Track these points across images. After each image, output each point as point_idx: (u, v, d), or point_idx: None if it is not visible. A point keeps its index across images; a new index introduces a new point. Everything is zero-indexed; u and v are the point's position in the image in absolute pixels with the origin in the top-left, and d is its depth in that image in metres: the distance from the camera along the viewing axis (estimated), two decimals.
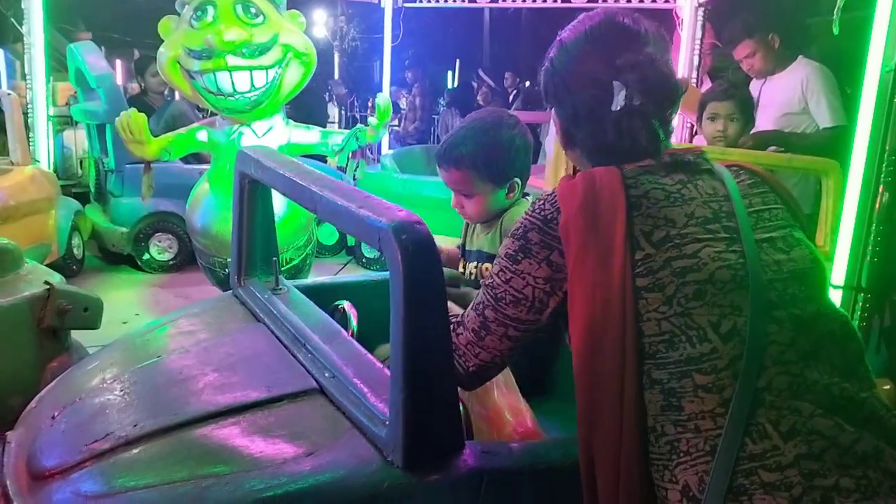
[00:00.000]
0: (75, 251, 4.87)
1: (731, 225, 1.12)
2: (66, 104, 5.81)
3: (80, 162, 5.93)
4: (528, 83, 8.40)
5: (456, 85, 9.13)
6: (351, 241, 5.46)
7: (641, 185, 1.14)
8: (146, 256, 5.06)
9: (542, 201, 1.20)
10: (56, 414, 1.52)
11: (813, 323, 1.08)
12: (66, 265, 4.77)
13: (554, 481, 1.29)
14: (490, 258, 1.83)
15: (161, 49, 3.20)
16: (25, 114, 5.11)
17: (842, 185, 2.75)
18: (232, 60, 3.08)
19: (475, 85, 7.89)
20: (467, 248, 1.99)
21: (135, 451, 1.33)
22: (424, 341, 1.17)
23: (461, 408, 1.46)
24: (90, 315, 2.12)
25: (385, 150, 6.57)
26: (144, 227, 4.99)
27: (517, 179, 1.82)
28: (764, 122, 3.29)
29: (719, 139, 3.00)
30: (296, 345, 1.63)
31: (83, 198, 5.55)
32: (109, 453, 1.34)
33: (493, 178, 1.78)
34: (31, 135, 5.33)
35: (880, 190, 1.96)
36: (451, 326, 1.26)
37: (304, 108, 5.34)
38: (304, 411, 1.41)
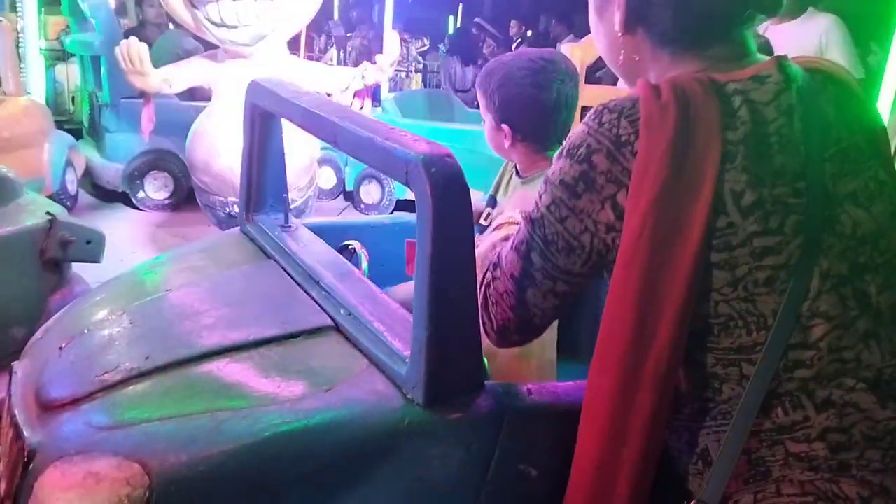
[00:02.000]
0: (69, 186, 4.79)
1: (818, 179, 0.92)
2: (57, 39, 5.64)
3: (72, 98, 5.79)
4: (530, 32, 8.19)
5: (456, 30, 8.88)
6: (350, 185, 5.39)
7: (740, 121, 0.91)
8: (141, 194, 4.99)
9: (612, 112, 0.93)
10: (63, 345, 1.49)
11: (879, 298, 0.94)
12: (60, 200, 4.69)
13: (572, 424, 1.27)
14: None
15: None
16: (18, 46, 4.96)
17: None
18: None
19: (475, 32, 7.67)
20: (499, 198, 1.82)
21: (147, 383, 1.31)
22: (450, 279, 1.13)
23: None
24: (92, 248, 2.08)
25: (385, 94, 6.46)
26: (140, 164, 4.90)
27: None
28: None
29: None
30: (308, 282, 1.60)
31: (75, 134, 5.43)
32: (121, 385, 1.31)
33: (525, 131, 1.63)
34: (23, 66, 5.19)
35: None
36: (490, 263, 1.12)
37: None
38: (320, 348, 1.38)
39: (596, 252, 0.97)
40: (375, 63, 3.15)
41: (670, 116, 0.89)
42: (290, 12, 3.07)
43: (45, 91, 5.23)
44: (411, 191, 1.15)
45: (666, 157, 0.88)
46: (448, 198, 1.10)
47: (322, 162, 5.56)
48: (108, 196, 5.23)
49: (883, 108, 2.87)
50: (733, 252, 0.91)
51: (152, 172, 4.96)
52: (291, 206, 3.42)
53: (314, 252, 1.74)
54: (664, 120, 0.89)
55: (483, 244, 1.40)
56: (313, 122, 1.48)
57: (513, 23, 7.81)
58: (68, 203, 4.82)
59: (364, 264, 1.89)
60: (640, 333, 0.93)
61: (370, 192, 5.27)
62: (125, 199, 5.13)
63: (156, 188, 5.03)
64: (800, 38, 3.27)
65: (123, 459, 1.12)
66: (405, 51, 7.15)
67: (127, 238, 4.58)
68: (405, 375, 1.21)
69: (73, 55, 5.48)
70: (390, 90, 6.14)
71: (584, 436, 1.04)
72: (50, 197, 4.55)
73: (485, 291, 1.12)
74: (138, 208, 5.05)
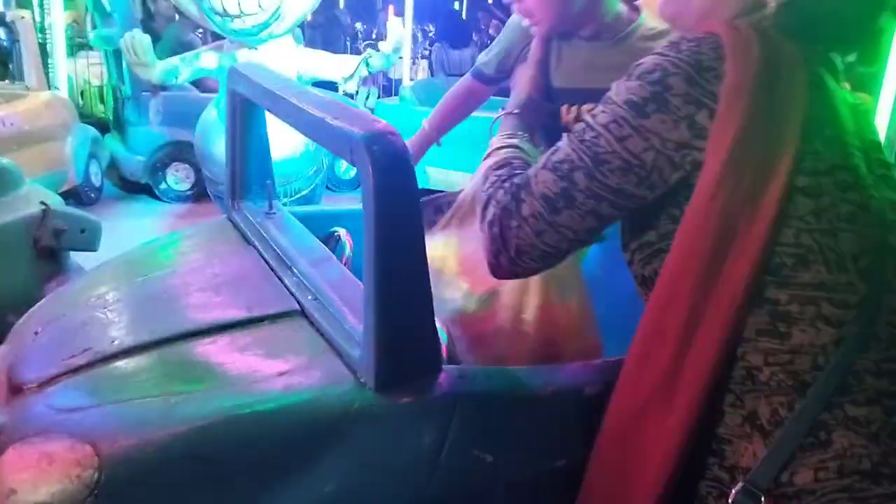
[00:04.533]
0: (93, 179, 4.89)
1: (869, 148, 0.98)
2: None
3: (81, 93, 5.88)
4: None
5: (465, 17, 8.75)
6: None
7: (816, 68, 0.95)
8: (163, 185, 5.07)
9: (691, 42, 0.93)
10: (39, 329, 1.51)
11: None
12: (84, 193, 4.81)
13: (533, 410, 1.25)
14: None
15: None
16: (45, 42, 5.07)
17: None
18: None
19: (480, 16, 7.54)
20: (553, 86, 1.49)
21: (111, 366, 1.32)
22: (397, 258, 1.11)
23: (443, 334, 1.42)
24: (87, 236, 2.11)
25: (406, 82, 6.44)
26: (162, 156, 4.97)
27: None
28: None
29: None
30: (282, 267, 1.59)
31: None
32: (86, 368, 1.33)
33: None
34: (50, 61, 5.30)
35: None
36: (500, 182, 1.04)
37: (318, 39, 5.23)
38: (283, 332, 1.37)
39: (657, 170, 0.93)
40: (379, 50, 3.14)
41: (754, 46, 0.91)
42: (292, 2, 3.07)
43: (67, 85, 5.34)
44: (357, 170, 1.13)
45: (757, 80, 0.89)
46: (390, 176, 1.08)
47: None
48: (134, 188, 5.33)
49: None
50: (819, 179, 0.90)
51: (174, 164, 5.04)
52: (298, 195, 3.45)
53: (293, 238, 1.73)
54: (748, 45, 0.91)
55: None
56: (277, 106, 1.47)
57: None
58: (93, 195, 4.93)
59: (348, 251, 1.88)
60: (716, 264, 0.90)
61: None
62: (150, 192, 5.22)
63: (177, 180, 5.10)
64: None
65: (77, 441, 1.13)
66: (415, 36, 7.10)
67: (149, 229, 4.66)
68: (358, 359, 1.20)
69: (81, 50, 5.58)
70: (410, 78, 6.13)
71: (634, 377, 0.99)
72: (74, 189, 4.67)
73: (498, 215, 1.02)
74: (161, 199, 5.13)
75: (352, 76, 3.17)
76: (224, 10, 3.02)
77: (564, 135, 1.01)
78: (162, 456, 1.11)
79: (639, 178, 0.94)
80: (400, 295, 1.13)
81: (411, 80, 6.70)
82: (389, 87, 6.31)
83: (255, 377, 1.22)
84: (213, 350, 1.33)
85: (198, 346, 1.34)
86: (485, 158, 1.23)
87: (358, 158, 1.11)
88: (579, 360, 1.37)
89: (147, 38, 2.98)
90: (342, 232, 1.93)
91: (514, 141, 1.26)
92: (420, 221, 1.12)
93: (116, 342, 1.37)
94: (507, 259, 1.02)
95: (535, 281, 1.46)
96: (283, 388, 1.18)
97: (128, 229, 4.29)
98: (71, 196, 4.75)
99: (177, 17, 5.23)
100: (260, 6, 3.03)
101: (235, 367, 1.27)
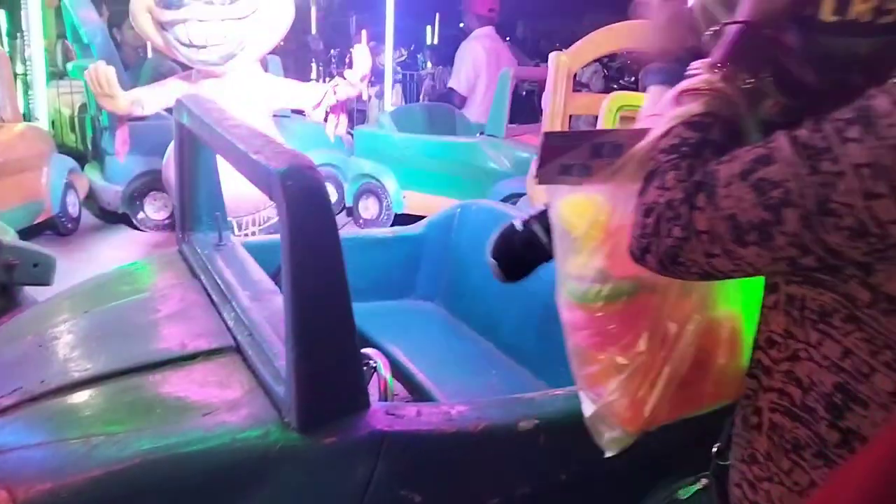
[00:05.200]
0: (70, 209, 4.86)
1: None
2: None
3: (52, 122, 5.85)
4: (508, 38, 8.07)
5: (436, 42, 8.76)
6: (349, 200, 5.38)
7: None
8: (141, 215, 5.03)
9: None
10: None
11: None
12: (61, 223, 4.77)
13: (465, 446, 1.22)
14: None
15: (132, 0, 3.11)
16: (25, 74, 5.07)
17: None
18: (202, 11, 2.97)
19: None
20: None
21: (38, 407, 1.29)
22: (314, 297, 1.09)
23: (381, 367, 1.39)
24: (40, 270, 2.08)
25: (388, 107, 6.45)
26: (139, 185, 4.95)
27: None
28: None
29: None
30: (223, 302, 1.57)
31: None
32: (13, 409, 1.30)
33: None
34: (30, 92, 5.30)
35: None
36: (679, 157, 0.78)
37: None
38: (215, 370, 1.35)
39: None
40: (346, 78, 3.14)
41: None
42: (258, 31, 3.07)
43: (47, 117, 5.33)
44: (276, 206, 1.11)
45: None
46: (304, 211, 1.06)
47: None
48: (113, 218, 5.30)
49: None
50: None
51: (152, 193, 5.01)
52: (268, 223, 3.42)
53: (239, 271, 1.71)
54: None
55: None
56: (211, 138, 1.46)
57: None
58: (70, 225, 4.89)
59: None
60: None
61: (368, 208, 5.24)
62: (128, 221, 5.19)
63: (155, 209, 5.07)
64: None
65: None
66: (381, 63, 7.09)
67: (127, 258, 4.62)
68: (282, 398, 1.17)
69: (52, 79, 5.58)
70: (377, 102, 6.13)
71: None
72: (51, 220, 4.64)
73: (661, 207, 0.77)
74: (139, 229, 5.10)
75: (319, 103, 3.17)
76: (189, 40, 3.01)
77: (783, 135, 0.71)
78: (77, 501, 1.08)
79: (870, 248, 0.68)
80: (320, 331, 1.11)
81: (393, 105, 6.73)
82: (363, 114, 6.31)
83: (178, 417, 1.20)
84: (141, 389, 1.30)
85: (126, 385, 1.31)
86: (678, 95, 0.85)
87: (275, 193, 1.09)
88: (730, 385, 0.99)
89: (112, 70, 2.98)
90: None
91: (717, 103, 0.82)
92: (338, 257, 1.10)
93: (45, 382, 1.34)
94: (655, 261, 0.79)
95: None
96: (205, 429, 1.15)
97: (106, 259, 4.26)
98: (48, 227, 4.73)
99: (147, 47, 5.24)
100: (225, 36, 3.02)
101: (160, 407, 1.24)
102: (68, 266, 4.00)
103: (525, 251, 1.26)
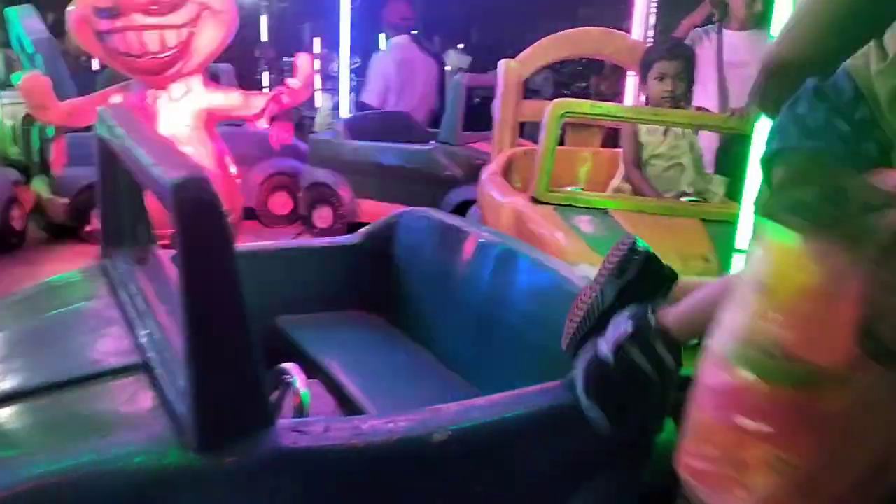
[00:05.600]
0: (14, 223, 4.73)
1: None
2: None
3: None
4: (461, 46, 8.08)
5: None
6: (303, 209, 5.33)
7: None
8: (88, 227, 4.92)
9: None
10: None
11: None
12: (4, 238, 4.65)
13: (378, 462, 1.19)
14: None
15: (69, 8, 3.04)
16: None
17: None
18: (140, 19, 2.92)
19: None
20: None
21: None
22: (209, 313, 1.06)
23: (306, 396, 1.36)
24: None
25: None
26: (84, 198, 4.83)
27: None
28: (739, 83, 3.18)
29: (667, 100, 2.87)
30: (139, 319, 1.52)
31: None
32: None
33: None
34: None
35: None
36: None
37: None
38: (121, 389, 1.30)
39: None
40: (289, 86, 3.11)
41: None
42: (200, 40, 3.03)
43: None
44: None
45: None
46: (197, 224, 1.03)
47: (275, 188, 5.52)
48: (63, 232, 5.17)
49: None
50: None
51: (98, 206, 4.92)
52: None
53: (159, 288, 1.67)
54: None
55: None
56: (122, 150, 1.42)
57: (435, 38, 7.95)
58: (14, 240, 4.76)
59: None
60: None
61: (322, 216, 5.20)
62: (76, 234, 5.08)
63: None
64: (752, 47, 3.23)
65: None
66: (334, 70, 7.03)
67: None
68: (183, 418, 1.14)
69: None
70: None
71: None
72: None
73: None
74: (87, 242, 4.99)
75: (262, 113, 3.13)
76: (128, 49, 2.96)
77: None
78: None
79: None
80: (217, 348, 1.08)
81: (350, 112, 6.68)
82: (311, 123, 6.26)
83: (76, 439, 1.15)
84: (43, 410, 1.25)
85: (28, 406, 1.26)
86: None
87: (170, 205, 1.06)
88: None
89: (47, 80, 2.91)
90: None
91: None
92: (232, 273, 1.07)
93: None
94: None
95: None
96: (101, 451, 1.11)
97: (49, 273, 4.14)
98: None
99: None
100: (165, 45, 2.97)
101: (60, 428, 1.19)
102: (10, 281, 3.91)
103: (629, 388, 1.10)
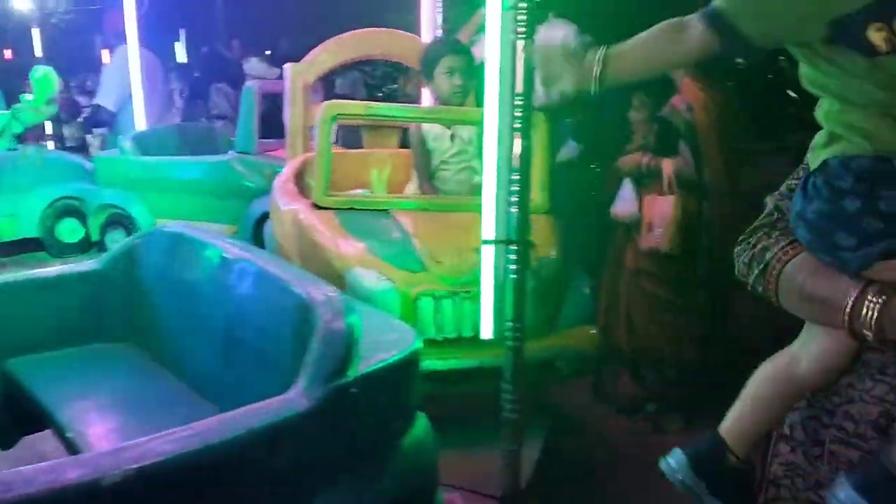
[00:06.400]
0: None
1: None
2: None
3: None
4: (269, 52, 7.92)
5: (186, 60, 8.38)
6: (95, 235, 4.92)
7: None
8: None
9: None
10: None
11: None
12: None
13: None
14: None
15: None
16: None
17: (545, 136, 2.71)
18: None
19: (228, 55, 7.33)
20: None
21: None
22: None
23: None
24: None
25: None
26: None
27: None
28: None
29: (458, 93, 2.83)
30: None
31: None
32: None
33: None
34: None
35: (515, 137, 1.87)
36: None
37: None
38: None
39: None
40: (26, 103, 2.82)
41: None
42: None
43: None
44: None
45: None
46: None
47: (61, 213, 5.02)
48: None
49: None
50: None
51: None
52: None
53: None
54: None
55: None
56: None
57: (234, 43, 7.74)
58: None
59: None
60: None
61: (117, 240, 4.83)
62: None
63: None
64: None
65: None
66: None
67: None
68: None
69: None
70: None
71: None
72: None
73: None
74: None
75: (1, 132, 2.82)
76: None
77: None
78: None
79: None
80: None
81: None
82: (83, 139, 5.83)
83: None
84: None
85: None
86: None
87: None
88: None
89: None
90: None
91: None
92: None
93: None
94: None
95: None
96: None
97: None
98: None
99: None
100: None
101: None
102: None
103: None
